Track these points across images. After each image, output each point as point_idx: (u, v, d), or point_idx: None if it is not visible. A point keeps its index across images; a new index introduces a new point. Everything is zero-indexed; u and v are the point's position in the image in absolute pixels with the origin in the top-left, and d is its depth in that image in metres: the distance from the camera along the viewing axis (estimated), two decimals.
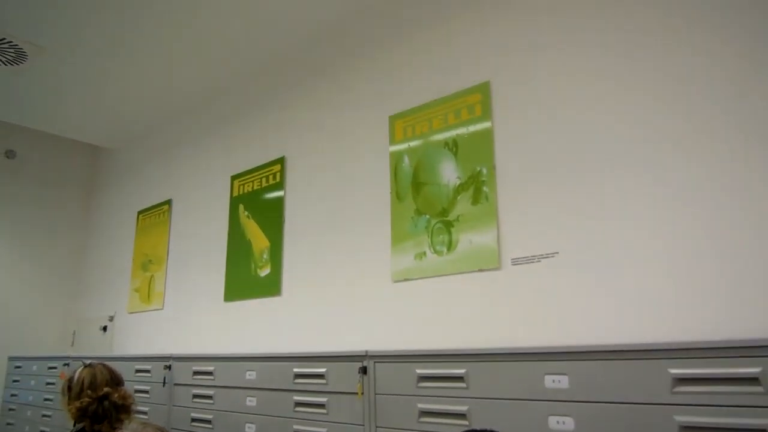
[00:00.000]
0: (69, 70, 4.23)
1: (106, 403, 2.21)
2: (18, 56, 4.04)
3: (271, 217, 3.65)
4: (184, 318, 4.08)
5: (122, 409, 2.23)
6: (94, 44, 3.86)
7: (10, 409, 4.17)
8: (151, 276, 4.52)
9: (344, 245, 3.12)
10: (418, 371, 1.74)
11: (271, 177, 3.74)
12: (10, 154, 5.21)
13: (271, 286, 3.49)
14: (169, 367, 2.82)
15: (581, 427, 1.33)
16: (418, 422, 1.70)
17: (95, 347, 4.66)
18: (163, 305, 4.31)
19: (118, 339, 4.64)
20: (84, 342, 4.94)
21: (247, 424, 2.32)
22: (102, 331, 4.79)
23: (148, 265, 4.59)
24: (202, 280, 4.00)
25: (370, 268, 2.94)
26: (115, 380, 2.41)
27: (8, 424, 4.13)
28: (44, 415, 3.71)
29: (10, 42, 3.86)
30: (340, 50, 3.44)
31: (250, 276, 3.67)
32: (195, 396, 2.63)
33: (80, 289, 5.36)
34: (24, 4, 3.43)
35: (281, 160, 3.69)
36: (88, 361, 2.47)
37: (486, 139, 2.64)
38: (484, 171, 2.61)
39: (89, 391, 2.27)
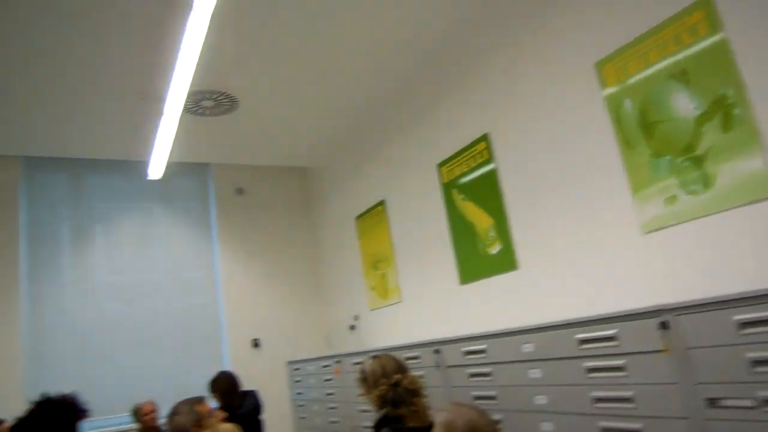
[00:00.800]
0: (271, 106, 4.73)
1: (399, 389, 2.42)
2: (232, 104, 4.61)
3: (488, 195, 3.68)
4: (423, 306, 4.31)
5: (414, 393, 2.43)
6: (287, 74, 4.24)
7: (300, 405, 4.81)
8: (383, 273, 4.86)
9: (576, 205, 3.03)
10: (737, 317, 1.62)
11: (477, 156, 3.78)
12: (239, 191, 5.96)
13: (506, 262, 3.52)
14: (438, 351, 3.01)
15: None
16: (750, 373, 1.59)
17: (348, 345, 5.14)
18: (400, 298, 4.61)
19: (366, 335, 5.06)
20: (337, 341, 5.49)
21: (537, 396, 2.38)
22: (350, 330, 5.27)
23: (378, 263, 4.94)
24: (433, 268, 4.19)
25: (610, 224, 2.83)
26: (402, 367, 2.63)
27: (301, 418, 4.77)
28: (330, 408, 4.20)
29: (225, 93, 4.42)
30: (529, 9, 3.33)
31: (480, 256, 3.76)
32: (471, 375, 2.77)
33: (323, 296, 5.96)
34: (227, 57, 3.88)
35: (485, 137, 3.71)
36: (373, 354, 2.73)
37: (722, 57, 2.38)
38: (730, 92, 2.35)
39: (383, 380, 2.50)
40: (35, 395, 1.95)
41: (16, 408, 2.89)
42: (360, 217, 5.25)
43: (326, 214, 5.96)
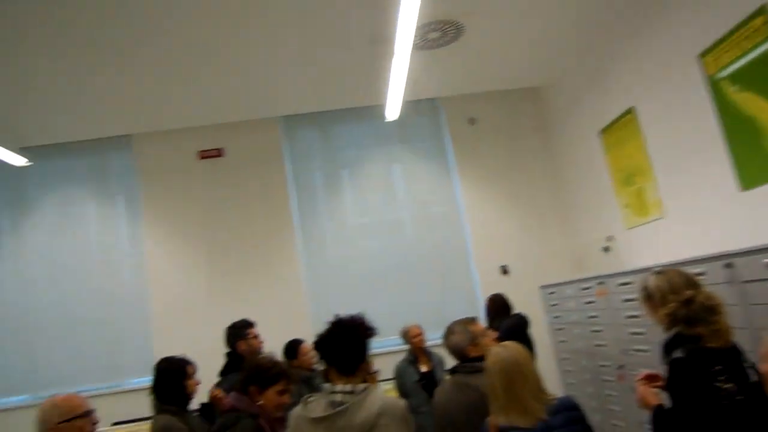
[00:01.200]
0: (497, 27, 4.53)
1: (693, 305, 2.15)
2: (458, 32, 4.53)
3: None
4: (692, 220, 3.84)
5: (712, 310, 2.14)
6: None
7: (558, 329, 4.75)
8: (639, 188, 4.43)
9: None
10: None
11: (754, 34, 3.16)
12: (471, 121, 5.93)
13: None
14: (729, 266, 2.64)
15: None
16: None
17: (601, 267, 4.86)
18: (662, 213, 4.16)
19: (625, 255, 4.73)
20: (589, 264, 5.24)
21: None
22: (603, 252, 4.98)
23: (631, 178, 4.51)
24: (702, 175, 3.68)
25: None
26: (692, 282, 2.34)
27: (561, 341, 4.72)
28: (594, 331, 4.06)
29: (450, 20, 4.34)
30: None
31: (767, 155, 3.17)
32: None
33: (569, 218, 5.73)
34: None
35: (763, 9, 3.06)
36: (657, 269, 2.49)
37: None
38: None
39: (672, 296, 2.25)
40: (317, 321, 2.18)
41: (304, 330, 3.39)
42: (605, 129, 4.82)
43: (565, 133, 5.62)
